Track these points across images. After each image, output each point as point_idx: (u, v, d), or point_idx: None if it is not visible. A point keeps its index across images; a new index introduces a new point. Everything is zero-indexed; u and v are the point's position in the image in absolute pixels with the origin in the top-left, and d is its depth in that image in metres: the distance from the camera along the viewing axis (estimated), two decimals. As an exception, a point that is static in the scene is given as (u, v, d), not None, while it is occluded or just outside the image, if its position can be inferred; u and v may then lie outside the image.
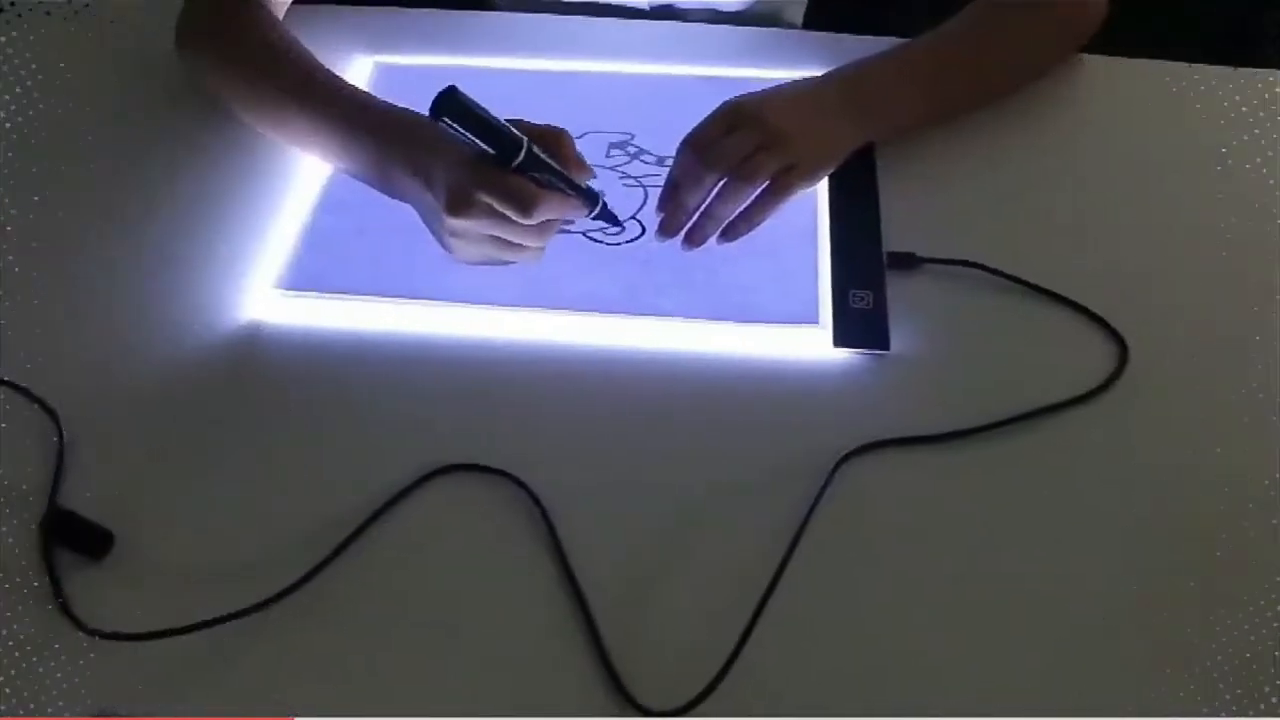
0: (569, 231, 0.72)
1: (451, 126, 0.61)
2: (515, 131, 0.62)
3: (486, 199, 0.62)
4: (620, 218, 0.70)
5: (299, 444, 0.62)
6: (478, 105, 0.61)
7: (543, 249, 0.68)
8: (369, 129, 0.70)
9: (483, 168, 0.62)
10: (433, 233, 0.68)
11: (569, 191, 0.65)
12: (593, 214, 0.67)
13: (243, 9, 0.78)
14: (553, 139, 0.65)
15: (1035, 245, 0.71)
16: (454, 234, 0.65)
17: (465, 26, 0.90)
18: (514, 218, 0.63)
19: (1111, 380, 0.64)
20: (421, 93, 0.64)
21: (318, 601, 0.55)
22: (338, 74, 0.74)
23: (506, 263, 0.68)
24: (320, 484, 0.60)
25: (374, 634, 0.55)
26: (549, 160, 0.63)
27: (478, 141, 0.62)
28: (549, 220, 0.65)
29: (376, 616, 0.55)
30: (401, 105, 0.70)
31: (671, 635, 0.54)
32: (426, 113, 0.61)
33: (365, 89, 0.74)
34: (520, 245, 0.66)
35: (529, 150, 0.62)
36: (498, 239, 0.65)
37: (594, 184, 0.68)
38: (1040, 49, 0.82)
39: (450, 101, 0.60)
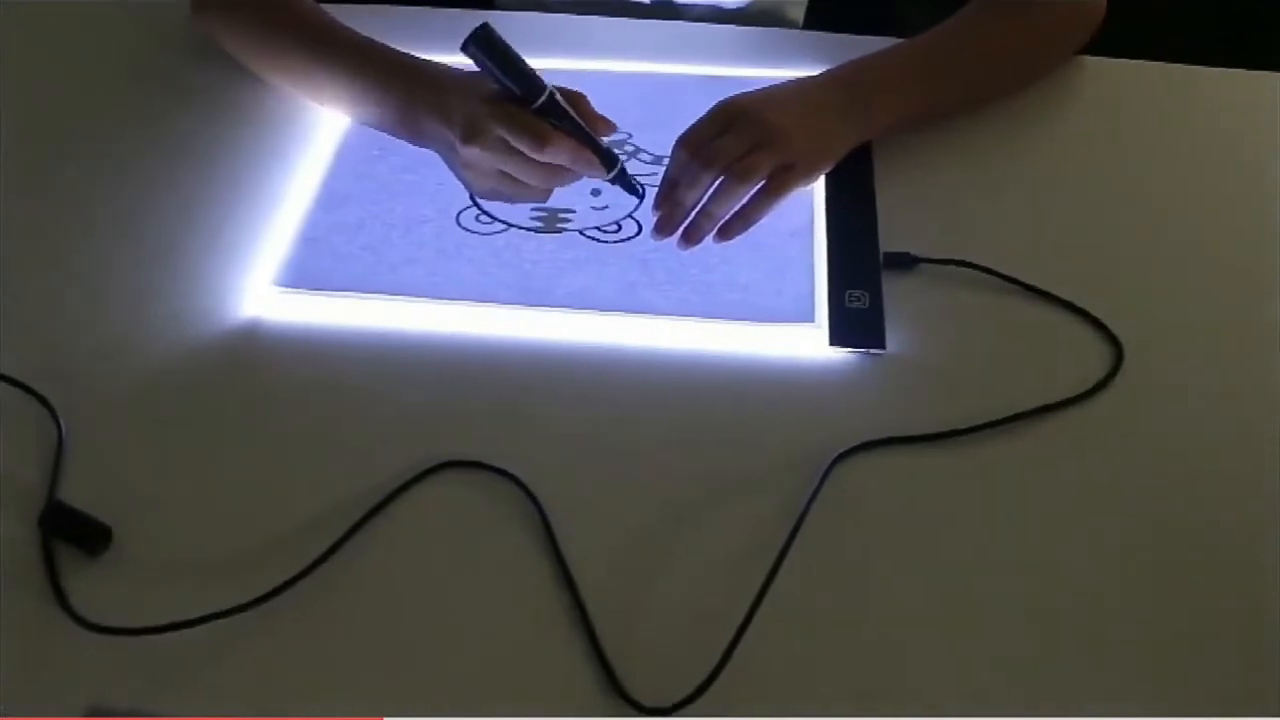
0: (566, 230, 0.72)
1: (480, 59, 0.64)
2: (540, 77, 0.65)
3: (501, 132, 0.65)
4: (640, 187, 0.71)
5: (296, 440, 0.63)
6: (509, 46, 0.64)
7: (549, 191, 0.70)
8: (390, 74, 0.74)
9: (502, 103, 0.65)
10: (451, 169, 0.71)
11: (586, 143, 0.66)
12: (610, 176, 0.68)
13: None
14: (575, 97, 0.67)
15: (1031, 246, 0.72)
16: (466, 164, 0.68)
17: (467, 25, 0.89)
18: (527, 152, 0.65)
19: (1107, 381, 0.64)
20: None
21: (314, 598, 0.55)
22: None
23: (515, 200, 0.71)
24: (317, 480, 0.60)
25: (370, 631, 0.55)
26: (571, 111, 0.66)
27: (503, 77, 0.64)
28: (560, 167, 0.67)
29: (372, 613, 0.56)
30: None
31: (667, 632, 0.55)
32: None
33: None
34: (527, 185, 0.68)
35: (550, 95, 0.65)
36: (508, 175, 0.67)
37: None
38: (1038, 49, 0.82)
39: (484, 36, 0.63)
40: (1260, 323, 0.68)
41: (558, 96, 0.65)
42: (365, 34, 0.77)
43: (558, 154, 0.65)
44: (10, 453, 0.62)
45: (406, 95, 0.73)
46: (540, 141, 0.64)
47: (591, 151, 0.67)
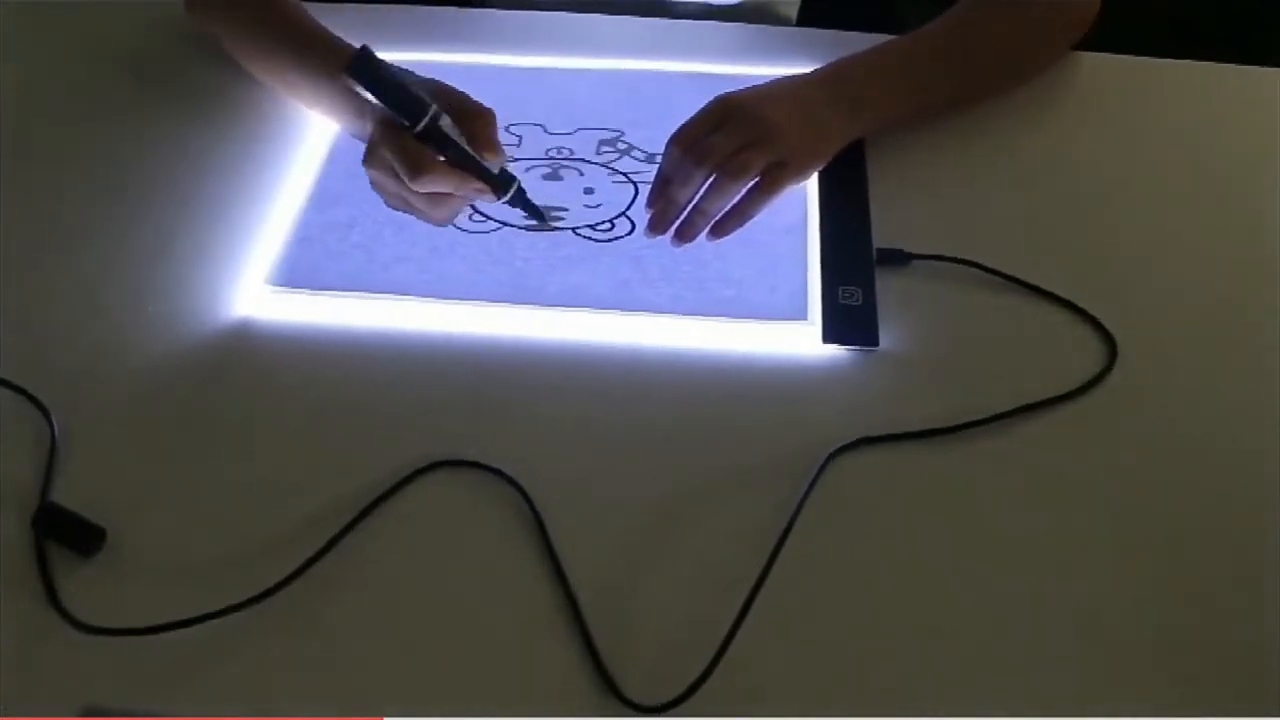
0: (559, 227, 0.72)
1: (357, 87, 0.62)
2: (425, 100, 0.63)
3: (387, 156, 0.64)
4: (544, 213, 0.70)
5: (288, 440, 0.62)
6: (390, 69, 0.63)
7: (445, 217, 0.69)
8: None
9: (392, 127, 0.64)
10: None
11: (472, 170, 0.65)
12: (505, 199, 0.68)
13: None
14: (473, 117, 0.66)
15: (1025, 242, 0.72)
16: (370, 182, 0.68)
17: (457, 23, 0.90)
18: (404, 179, 0.64)
19: (1100, 377, 0.64)
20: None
21: (306, 598, 0.55)
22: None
23: (417, 217, 0.69)
24: (310, 480, 0.60)
25: (363, 630, 0.55)
26: (455, 137, 0.64)
27: (380, 104, 0.63)
28: (445, 194, 0.66)
29: (366, 613, 0.55)
30: None
31: (660, 631, 0.55)
32: None
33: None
34: (420, 208, 0.68)
35: (430, 120, 0.63)
36: (402, 196, 0.67)
37: (559, 188, 0.69)
38: (1032, 47, 0.82)
39: (359, 63, 0.62)
40: (1255, 319, 0.68)
41: (440, 122, 0.63)
42: (360, 33, 0.77)
43: (435, 183, 0.64)
44: (3, 454, 0.61)
45: (359, 105, 0.71)
46: (414, 171, 0.63)
47: (478, 178, 0.66)
